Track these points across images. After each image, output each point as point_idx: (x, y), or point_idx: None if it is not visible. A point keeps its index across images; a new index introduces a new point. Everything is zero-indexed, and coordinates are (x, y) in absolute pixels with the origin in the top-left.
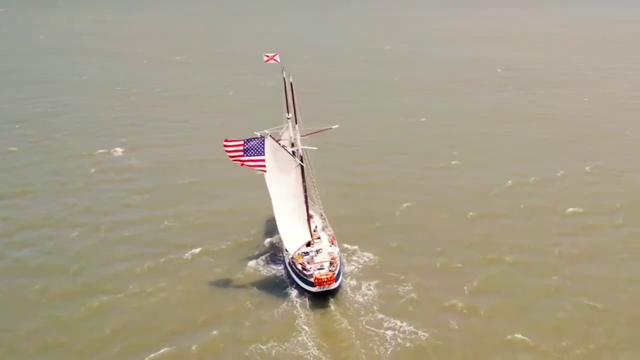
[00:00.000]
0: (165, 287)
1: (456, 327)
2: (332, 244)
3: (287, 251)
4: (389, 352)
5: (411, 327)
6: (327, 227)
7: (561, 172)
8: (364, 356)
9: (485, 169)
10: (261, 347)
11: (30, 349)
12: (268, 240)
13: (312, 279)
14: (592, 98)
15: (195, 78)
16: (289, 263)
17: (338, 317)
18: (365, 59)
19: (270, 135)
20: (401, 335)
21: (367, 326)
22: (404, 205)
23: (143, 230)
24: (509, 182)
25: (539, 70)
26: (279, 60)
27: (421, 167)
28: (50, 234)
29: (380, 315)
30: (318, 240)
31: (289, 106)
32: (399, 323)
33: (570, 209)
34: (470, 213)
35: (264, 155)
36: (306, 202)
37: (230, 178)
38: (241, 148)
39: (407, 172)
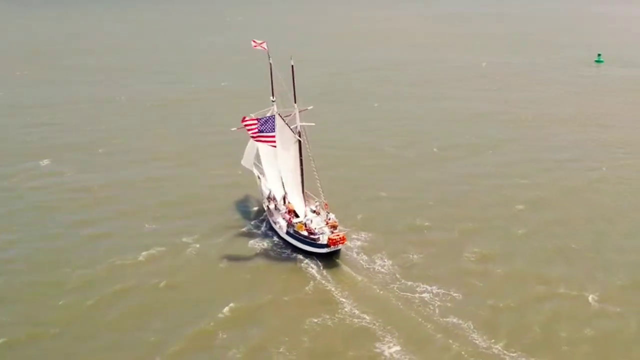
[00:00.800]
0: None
1: (480, 284)
2: (328, 212)
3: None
4: (436, 311)
5: (442, 290)
6: (321, 199)
7: None
8: (414, 315)
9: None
10: (315, 320)
11: None
12: (248, 220)
13: (323, 242)
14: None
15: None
16: (292, 233)
17: (370, 286)
18: None
19: (279, 114)
20: (437, 297)
21: (400, 292)
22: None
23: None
24: None
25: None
26: (266, 47)
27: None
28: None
29: (409, 282)
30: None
31: (274, 90)
32: (428, 287)
33: None
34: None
35: (274, 132)
36: (302, 175)
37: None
38: (256, 126)
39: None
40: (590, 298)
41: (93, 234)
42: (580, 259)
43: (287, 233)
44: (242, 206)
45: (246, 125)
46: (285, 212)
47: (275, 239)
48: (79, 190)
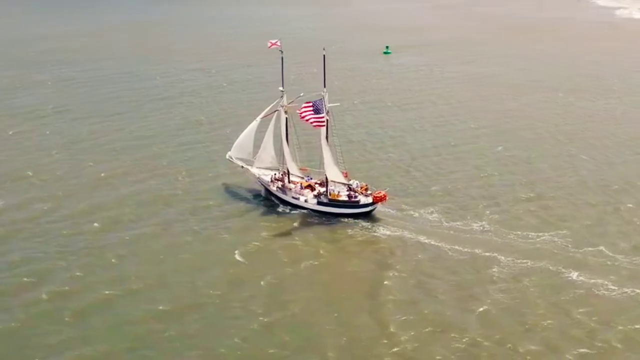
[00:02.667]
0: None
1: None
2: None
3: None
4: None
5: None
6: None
7: None
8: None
9: None
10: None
11: None
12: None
13: (366, 201)
14: None
15: None
16: (326, 202)
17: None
18: None
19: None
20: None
21: (452, 231)
22: None
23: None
24: None
25: None
26: (280, 44)
27: None
28: None
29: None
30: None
31: (283, 81)
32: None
33: None
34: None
35: (324, 113)
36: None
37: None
38: (312, 108)
39: None
40: None
41: None
42: None
43: (319, 203)
44: (238, 193)
45: (304, 111)
46: (301, 188)
47: (296, 212)
48: None
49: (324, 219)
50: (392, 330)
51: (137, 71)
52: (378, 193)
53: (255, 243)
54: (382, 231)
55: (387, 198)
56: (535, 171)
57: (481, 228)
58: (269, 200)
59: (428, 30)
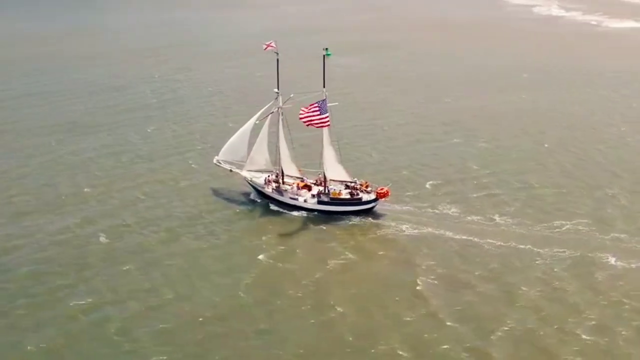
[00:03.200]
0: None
1: None
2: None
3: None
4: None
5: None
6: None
7: None
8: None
9: None
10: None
11: None
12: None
13: (369, 198)
14: None
15: None
16: (327, 201)
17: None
18: None
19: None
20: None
21: (473, 225)
22: None
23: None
24: None
25: None
26: (275, 46)
27: None
28: None
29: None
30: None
31: (279, 83)
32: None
33: None
34: None
35: (327, 112)
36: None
37: None
38: (318, 109)
39: None
40: None
41: None
42: None
43: (320, 202)
44: (233, 197)
45: (307, 113)
46: (298, 189)
47: (295, 213)
48: None
49: (325, 218)
50: (448, 324)
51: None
52: (381, 189)
53: (273, 245)
54: (392, 227)
55: (389, 194)
56: (523, 161)
57: (500, 220)
58: (262, 202)
59: (358, 32)
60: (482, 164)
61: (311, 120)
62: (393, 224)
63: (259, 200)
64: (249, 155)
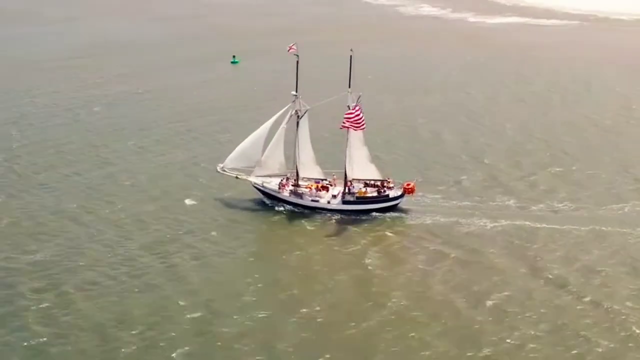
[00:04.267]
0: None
1: None
2: None
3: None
4: None
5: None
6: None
7: None
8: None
9: None
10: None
11: None
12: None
13: (396, 194)
14: None
15: None
16: (353, 200)
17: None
18: None
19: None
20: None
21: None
22: None
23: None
24: None
25: None
26: (296, 48)
27: None
28: None
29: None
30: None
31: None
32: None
33: None
34: None
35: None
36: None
37: None
38: (359, 112)
39: None
40: None
41: None
42: None
43: (344, 202)
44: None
45: (353, 117)
46: (317, 190)
47: (318, 213)
48: None
49: (352, 217)
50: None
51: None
52: (407, 184)
53: (315, 248)
54: (424, 221)
55: (415, 189)
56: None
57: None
58: (279, 207)
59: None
60: None
61: (357, 122)
62: (427, 219)
63: (275, 206)
64: (261, 160)
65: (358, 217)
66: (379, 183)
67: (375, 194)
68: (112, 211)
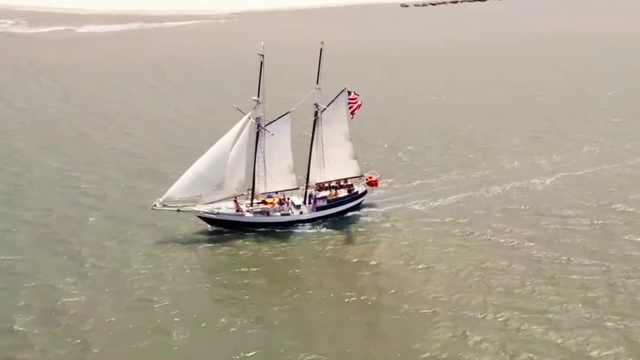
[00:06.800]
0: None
1: None
2: None
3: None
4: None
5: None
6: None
7: None
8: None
9: None
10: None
11: None
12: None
13: (361, 189)
14: None
15: None
16: (326, 205)
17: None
18: None
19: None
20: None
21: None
22: None
23: None
24: None
25: None
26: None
27: None
28: None
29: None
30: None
31: (260, 89)
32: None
33: None
34: None
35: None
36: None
37: None
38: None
39: None
40: None
41: None
42: None
43: (318, 209)
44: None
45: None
46: (280, 204)
47: (288, 229)
48: None
49: (326, 222)
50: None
51: None
52: (370, 177)
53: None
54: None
55: (379, 181)
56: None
57: None
58: (238, 234)
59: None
60: None
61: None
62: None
63: (232, 233)
64: (223, 182)
65: (332, 220)
66: (342, 182)
67: (346, 193)
68: None
